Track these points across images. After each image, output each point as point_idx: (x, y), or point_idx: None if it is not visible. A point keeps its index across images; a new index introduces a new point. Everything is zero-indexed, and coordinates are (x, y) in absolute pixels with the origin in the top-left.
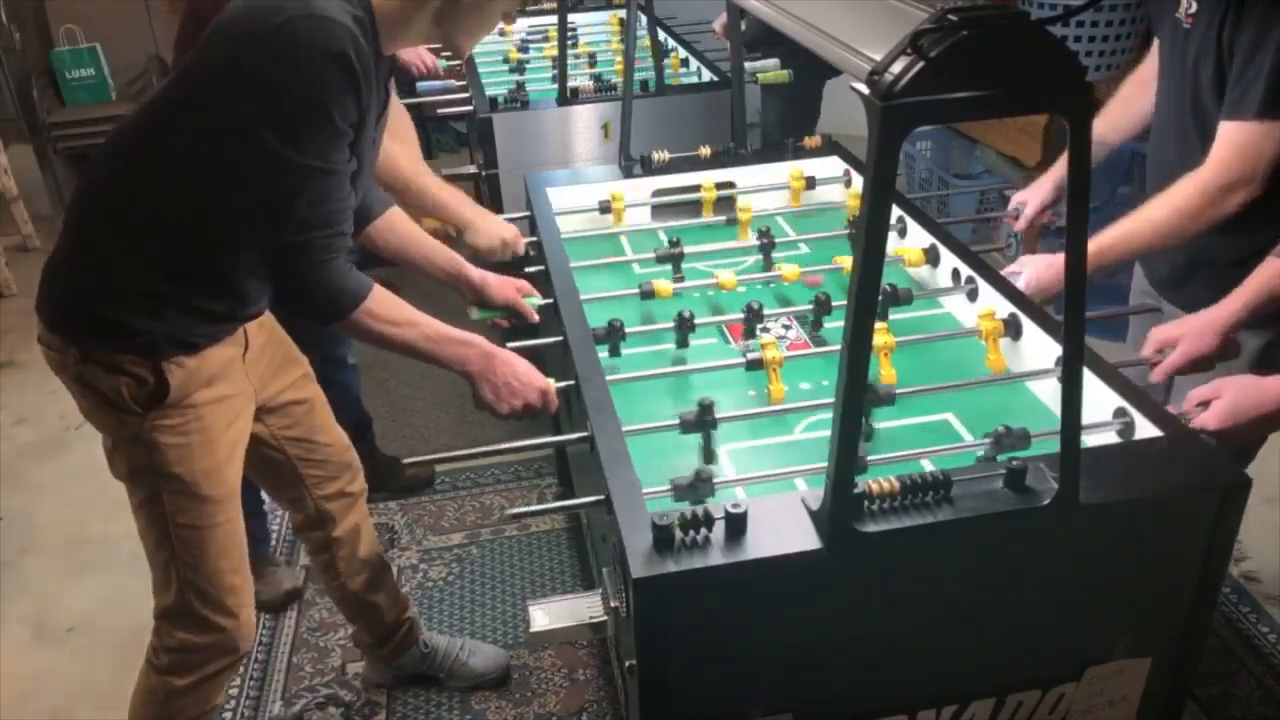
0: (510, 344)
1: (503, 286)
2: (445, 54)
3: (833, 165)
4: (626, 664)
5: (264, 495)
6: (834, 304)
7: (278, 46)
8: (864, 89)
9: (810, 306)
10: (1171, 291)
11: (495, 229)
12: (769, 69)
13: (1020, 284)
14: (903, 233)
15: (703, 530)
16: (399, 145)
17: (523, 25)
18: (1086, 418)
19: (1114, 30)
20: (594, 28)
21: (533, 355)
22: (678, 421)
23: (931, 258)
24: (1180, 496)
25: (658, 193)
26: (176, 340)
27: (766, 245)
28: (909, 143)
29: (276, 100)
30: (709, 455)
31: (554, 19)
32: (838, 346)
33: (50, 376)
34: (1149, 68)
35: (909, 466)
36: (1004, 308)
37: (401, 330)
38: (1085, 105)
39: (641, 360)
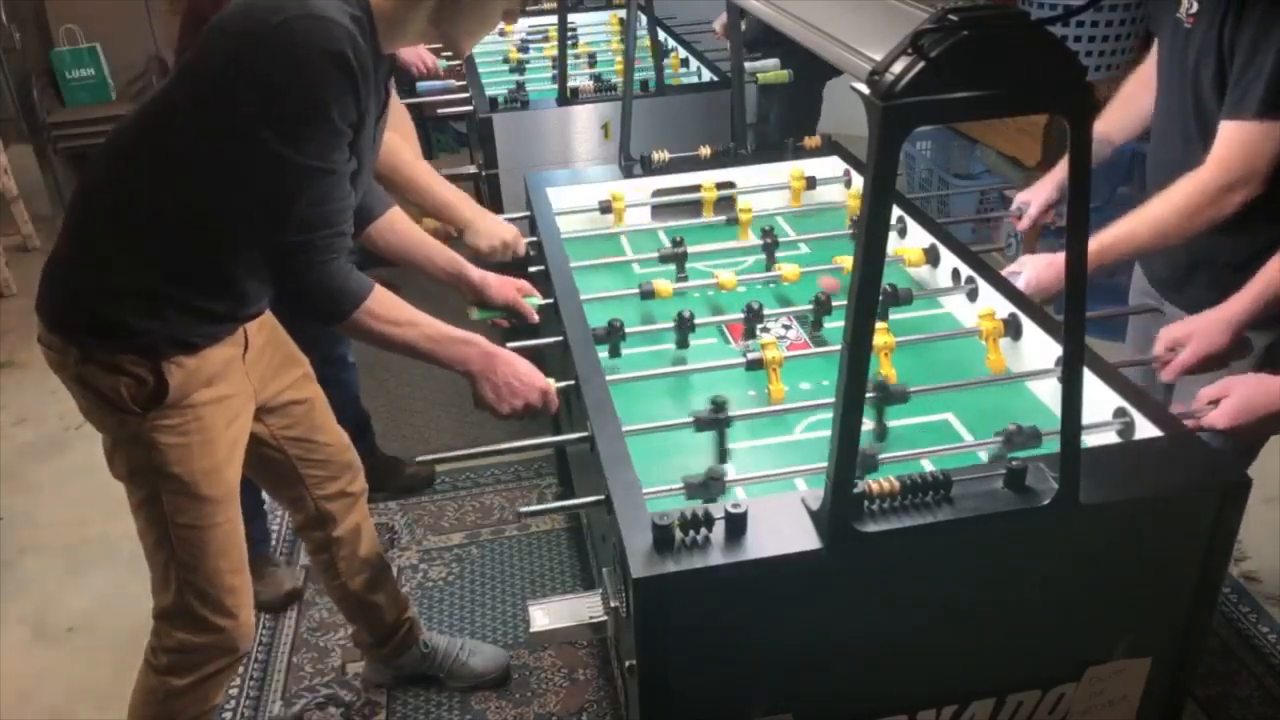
0: (510, 344)
1: (503, 286)
2: (445, 54)
3: (833, 165)
4: (626, 664)
5: (264, 495)
6: (834, 304)
7: (277, 46)
8: (864, 89)
9: (810, 306)
10: (1172, 292)
11: (495, 229)
12: (769, 69)
13: (1020, 284)
14: (903, 233)
15: (703, 530)
16: (401, 140)
17: (523, 25)
18: (1086, 418)
19: (1114, 30)
20: (594, 28)
21: (533, 355)
22: (691, 420)
23: (931, 258)
24: (1180, 496)
25: (658, 193)
26: (176, 340)
27: (770, 245)
28: (909, 143)
29: (276, 100)
30: (723, 454)
31: (554, 19)
32: (838, 346)
33: (50, 376)
34: (1150, 68)
35: (909, 466)
36: (1004, 308)
37: (402, 330)
38: (1085, 105)
39: (641, 360)
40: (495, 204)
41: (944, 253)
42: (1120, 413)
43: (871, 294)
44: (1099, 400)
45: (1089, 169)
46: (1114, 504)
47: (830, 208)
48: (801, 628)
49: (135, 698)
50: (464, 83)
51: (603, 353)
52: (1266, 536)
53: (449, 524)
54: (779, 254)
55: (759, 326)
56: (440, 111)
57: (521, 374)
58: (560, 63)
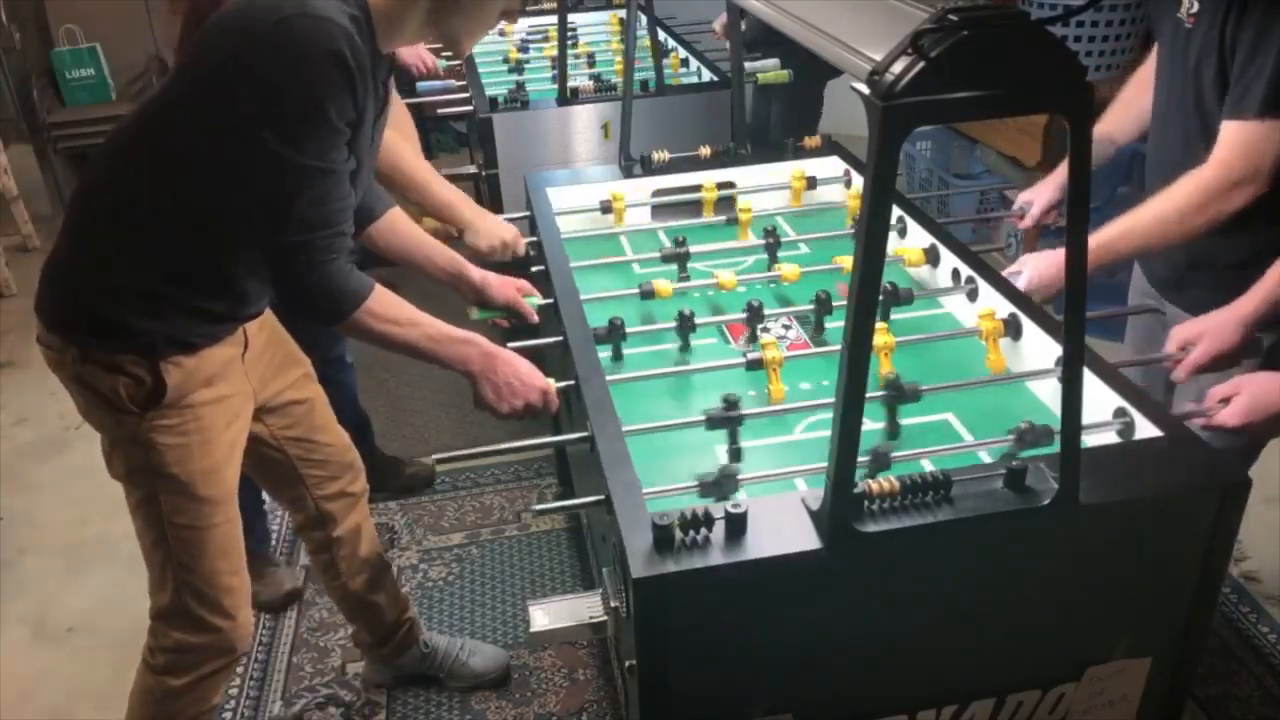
0: (511, 344)
1: (503, 286)
2: (445, 54)
3: (833, 165)
4: (626, 664)
5: (264, 495)
6: (834, 304)
7: (275, 45)
8: (864, 89)
9: (811, 306)
10: (1172, 292)
11: (495, 230)
12: (769, 69)
13: (1022, 282)
14: (903, 233)
15: (703, 530)
16: (401, 139)
17: (523, 25)
18: (1086, 418)
19: (1114, 30)
20: (594, 28)
21: (533, 355)
22: (690, 420)
23: (931, 258)
24: (1180, 496)
25: (658, 193)
26: (176, 340)
27: (772, 245)
28: (909, 143)
29: (275, 100)
30: (735, 452)
31: (554, 19)
32: (838, 346)
33: (50, 376)
34: (1152, 68)
35: (909, 466)
36: (1004, 308)
37: (403, 330)
38: (1085, 105)
39: (642, 360)
40: (495, 204)
41: (944, 253)
42: (1120, 413)
43: (871, 294)
44: (1099, 400)
45: (1089, 169)
46: (1114, 504)
47: (830, 208)
48: (801, 628)
49: (133, 698)
50: (464, 83)
51: (604, 352)
52: (1266, 536)
53: (449, 524)
54: (779, 254)
55: (759, 327)
56: (440, 111)
57: (522, 374)
58: (560, 63)
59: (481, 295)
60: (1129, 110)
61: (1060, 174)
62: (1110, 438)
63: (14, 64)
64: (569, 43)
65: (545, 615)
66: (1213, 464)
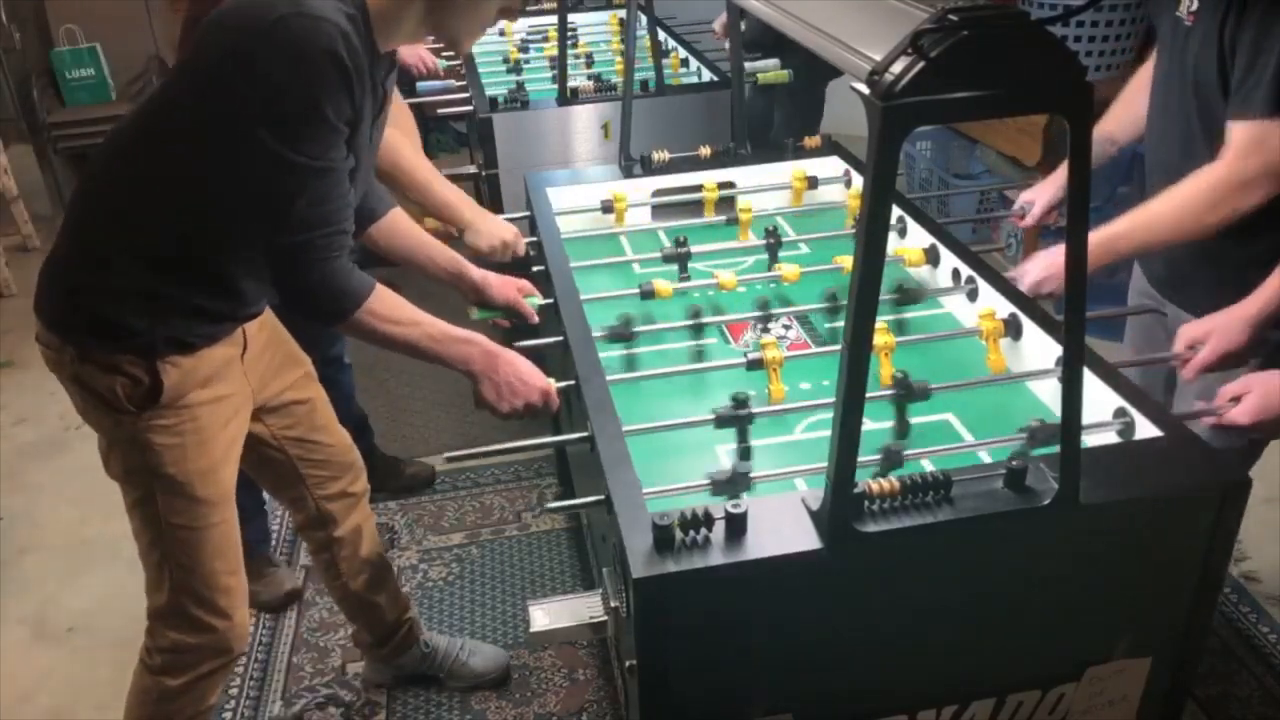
0: (515, 344)
1: (503, 286)
2: (446, 53)
3: (833, 165)
4: (626, 664)
5: (264, 495)
6: (840, 304)
7: (272, 44)
8: (864, 89)
9: (811, 306)
10: (1171, 292)
11: (496, 230)
12: (769, 69)
13: (1031, 279)
14: (903, 233)
15: (703, 530)
16: (402, 137)
17: (523, 25)
18: (1086, 418)
19: (1114, 30)
20: (594, 28)
21: (533, 355)
22: (690, 420)
23: (931, 258)
24: (1180, 496)
25: (658, 193)
26: (174, 340)
27: (773, 245)
28: (909, 143)
29: (274, 100)
30: (745, 450)
31: (554, 19)
32: (838, 346)
33: (50, 377)
34: (1152, 68)
35: (909, 467)
36: (1004, 308)
37: (404, 329)
38: (1085, 105)
39: (642, 360)
40: (495, 204)
41: (944, 253)
42: (1120, 413)
43: (871, 294)
44: (1099, 400)
45: (1089, 169)
46: (1114, 504)
47: (830, 208)
48: (801, 628)
49: (130, 699)
50: (464, 83)
51: (616, 351)
52: (1266, 536)
53: (449, 524)
54: (779, 254)
55: (759, 327)
56: (440, 111)
57: (523, 374)
58: (560, 63)
59: (482, 295)
60: (1129, 110)
61: (1060, 174)
62: (1110, 438)
63: (14, 64)
64: (569, 43)
65: (545, 615)
66: (1213, 464)
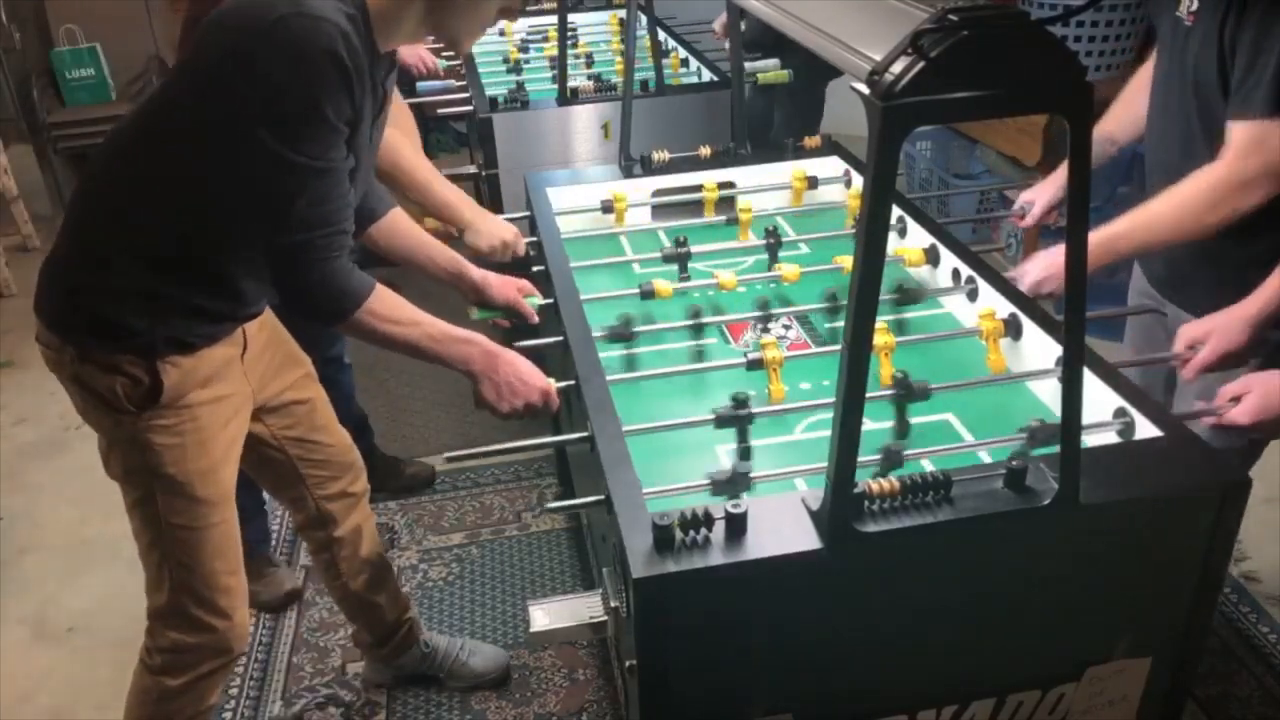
0: (515, 344)
1: (503, 286)
2: (446, 53)
3: (833, 165)
4: (626, 664)
5: (264, 495)
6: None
7: (273, 44)
8: (864, 89)
9: (812, 306)
10: (1171, 292)
11: (496, 230)
12: (769, 69)
13: (1031, 278)
14: (903, 233)
15: (703, 530)
16: (402, 136)
17: (523, 25)
18: (1086, 418)
19: (1114, 30)
20: (594, 28)
21: (533, 355)
22: (689, 420)
23: (931, 258)
24: (1180, 496)
25: (658, 193)
26: (174, 340)
27: (773, 245)
28: (909, 143)
29: (273, 100)
30: (745, 450)
31: (554, 19)
32: (838, 346)
33: (50, 377)
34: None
35: (909, 467)
36: (1004, 308)
37: (405, 329)
38: (1085, 105)
39: (642, 360)
40: (495, 204)
41: (944, 253)
42: (1120, 413)
43: (871, 294)
44: (1099, 400)
45: (1089, 169)
46: (1114, 504)
47: (830, 208)
48: (801, 628)
49: (130, 699)
50: (464, 83)
51: (617, 350)
52: (1266, 536)
53: (449, 524)
54: (779, 254)
55: (759, 327)
56: (440, 111)
57: (523, 374)
58: (560, 63)
59: (482, 295)
60: (1129, 110)
61: (1060, 174)
62: (1110, 438)
63: (14, 64)
64: (569, 43)
65: (545, 615)
66: (1213, 464)
